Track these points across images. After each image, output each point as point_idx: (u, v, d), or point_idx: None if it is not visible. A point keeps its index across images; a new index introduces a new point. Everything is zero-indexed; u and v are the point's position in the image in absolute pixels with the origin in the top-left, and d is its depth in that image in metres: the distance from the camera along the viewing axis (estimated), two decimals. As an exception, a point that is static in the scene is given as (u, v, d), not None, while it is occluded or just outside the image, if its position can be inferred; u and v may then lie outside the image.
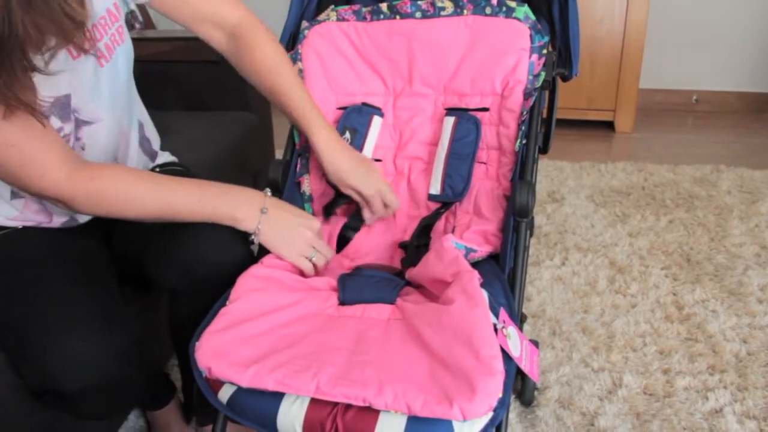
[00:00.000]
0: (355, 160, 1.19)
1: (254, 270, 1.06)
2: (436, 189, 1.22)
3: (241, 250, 1.09)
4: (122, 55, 1.13)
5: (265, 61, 1.18)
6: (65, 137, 1.06)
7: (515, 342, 0.90)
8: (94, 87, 1.08)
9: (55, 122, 1.03)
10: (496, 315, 0.91)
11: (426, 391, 0.81)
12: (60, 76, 0.99)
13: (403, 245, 1.21)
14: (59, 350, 0.94)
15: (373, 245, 1.23)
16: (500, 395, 0.81)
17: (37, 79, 0.92)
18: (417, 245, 1.18)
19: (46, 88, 0.96)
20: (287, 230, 1.09)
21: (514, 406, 1.41)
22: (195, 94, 2.00)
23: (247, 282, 1.03)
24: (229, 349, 0.90)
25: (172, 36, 2.02)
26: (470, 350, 0.84)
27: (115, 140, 1.16)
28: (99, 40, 1.05)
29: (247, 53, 1.19)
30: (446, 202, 1.22)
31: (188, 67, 1.97)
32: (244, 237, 1.09)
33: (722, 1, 3.26)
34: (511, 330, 0.91)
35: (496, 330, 0.88)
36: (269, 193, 1.09)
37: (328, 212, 1.26)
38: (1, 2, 0.78)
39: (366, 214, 1.22)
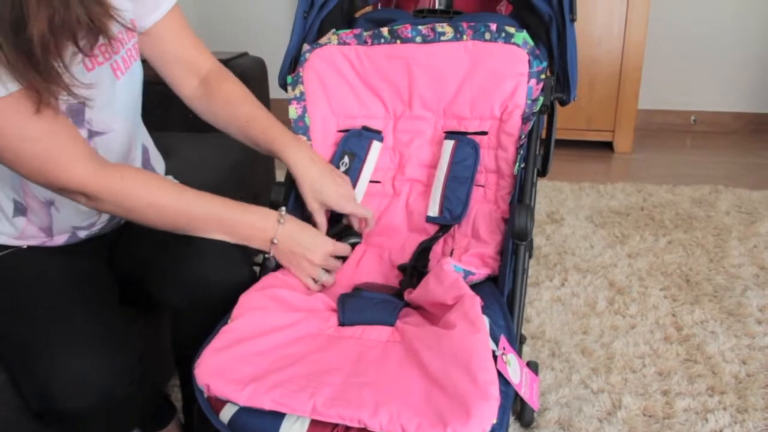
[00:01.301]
0: (330, 177, 1.21)
1: (257, 287, 1.07)
2: (434, 211, 1.23)
3: (244, 270, 1.11)
4: (137, 70, 1.16)
5: (230, 95, 1.23)
6: None
7: (515, 369, 0.91)
8: (110, 98, 1.10)
9: None
10: (497, 342, 0.91)
11: (421, 413, 0.81)
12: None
13: (401, 267, 1.22)
14: (61, 370, 0.95)
15: (371, 266, 1.24)
16: (494, 421, 0.81)
17: None
18: (415, 267, 1.19)
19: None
20: (295, 257, 1.12)
21: (514, 428, 1.41)
22: (196, 116, 2.01)
23: (250, 300, 1.04)
24: (229, 367, 0.91)
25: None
26: (468, 375, 0.85)
27: (125, 154, 1.19)
28: (116, 53, 1.08)
29: (216, 95, 1.23)
30: (444, 224, 1.23)
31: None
32: (248, 257, 1.10)
33: (720, 22, 3.30)
34: (511, 357, 0.92)
35: (495, 357, 0.89)
36: (284, 212, 1.12)
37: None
38: None
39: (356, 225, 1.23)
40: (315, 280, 1.14)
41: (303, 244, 1.12)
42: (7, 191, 1.11)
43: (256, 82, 2.01)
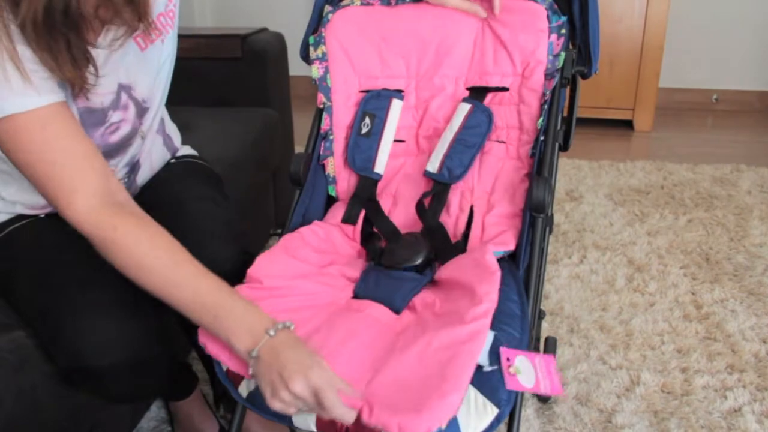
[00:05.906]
0: None
1: (270, 253, 1.09)
2: (433, 168, 1.22)
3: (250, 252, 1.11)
4: (167, 44, 1.15)
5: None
6: (132, 129, 1.12)
7: (528, 373, 0.88)
8: (139, 70, 1.11)
9: (118, 115, 1.08)
10: (497, 356, 0.89)
11: (379, 399, 0.83)
12: (118, 66, 1.03)
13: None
14: (87, 329, 0.97)
15: (400, 218, 1.23)
16: (442, 427, 0.81)
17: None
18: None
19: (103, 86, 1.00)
20: (270, 373, 0.86)
21: (532, 402, 1.42)
22: (216, 90, 2.02)
23: (264, 265, 1.06)
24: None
25: (193, 33, 2.04)
26: (439, 375, 0.85)
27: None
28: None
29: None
30: (441, 182, 1.22)
31: (210, 64, 1.99)
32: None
33: (743, 0, 3.24)
34: (519, 362, 0.88)
35: (482, 369, 0.88)
36: (272, 334, 0.88)
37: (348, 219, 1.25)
38: None
39: None
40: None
41: (285, 365, 0.84)
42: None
43: (275, 57, 2.01)
